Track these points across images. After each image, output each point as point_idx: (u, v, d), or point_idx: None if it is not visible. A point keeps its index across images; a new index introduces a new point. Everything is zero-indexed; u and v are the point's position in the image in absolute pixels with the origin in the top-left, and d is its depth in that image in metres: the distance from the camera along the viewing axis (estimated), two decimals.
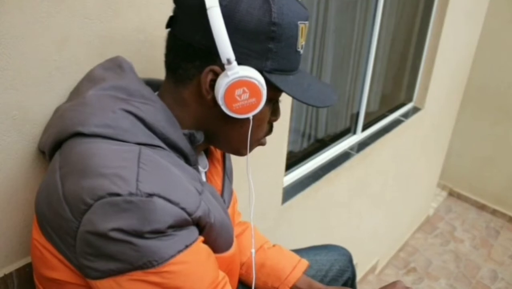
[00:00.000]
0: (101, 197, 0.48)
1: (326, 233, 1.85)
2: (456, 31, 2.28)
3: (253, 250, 0.81)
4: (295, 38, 0.58)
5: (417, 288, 2.56)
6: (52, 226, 0.53)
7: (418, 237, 3.01)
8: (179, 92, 0.61)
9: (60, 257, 0.54)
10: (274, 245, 0.98)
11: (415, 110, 2.31)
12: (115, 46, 0.71)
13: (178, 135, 0.60)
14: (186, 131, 0.62)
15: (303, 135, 1.64)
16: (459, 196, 3.49)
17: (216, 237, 0.62)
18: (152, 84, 0.65)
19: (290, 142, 1.49)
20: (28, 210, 0.69)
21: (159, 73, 0.67)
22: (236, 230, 0.90)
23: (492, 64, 2.96)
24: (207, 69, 0.56)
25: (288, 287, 0.91)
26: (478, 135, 3.22)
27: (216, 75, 0.56)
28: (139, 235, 0.49)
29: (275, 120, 0.69)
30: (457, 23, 2.25)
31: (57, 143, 0.57)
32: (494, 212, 3.30)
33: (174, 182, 0.53)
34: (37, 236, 0.57)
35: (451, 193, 3.53)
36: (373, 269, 2.52)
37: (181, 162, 0.60)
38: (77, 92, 0.63)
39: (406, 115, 2.23)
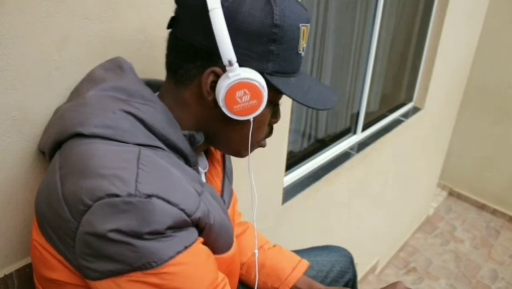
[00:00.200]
0: (100, 198, 0.48)
1: (326, 233, 1.85)
2: (456, 31, 2.28)
3: (256, 251, 0.81)
4: (296, 41, 0.58)
5: (417, 288, 2.56)
6: (52, 227, 0.53)
7: (418, 237, 3.01)
8: (180, 93, 0.61)
9: (60, 257, 0.54)
10: (274, 245, 0.98)
11: (415, 110, 2.31)
12: (115, 46, 0.71)
13: (178, 136, 0.60)
14: (186, 132, 0.62)
15: (303, 135, 1.64)
16: (459, 196, 3.49)
17: (215, 238, 0.62)
18: (153, 85, 0.65)
19: (290, 142, 1.49)
20: (28, 210, 0.69)
21: (159, 73, 0.67)
22: (236, 230, 0.90)
23: (492, 64, 2.96)
24: (208, 70, 0.56)
25: (288, 287, 0.91)
26: (478, 135, 3.22)
27: (217, 76, 0.56)
28: (138, 236, 0.48)
29: (275, 122, 0.69)
30: (457, 23, 2.25)
31: (57, 144, 0.57)
32: (494, 212, 3.31)
33: (173, 183, 0.53)
34: (37, 236, 0.57)
35: (451, 193, 3.53)
36: (373, 269, 2.52)
37: (181, 163, 0.60)
38: (77, 93, 0.63)
39: (406, 115, 2.23)
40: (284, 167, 1.36)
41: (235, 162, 0.87)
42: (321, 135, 1.74)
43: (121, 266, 0.50)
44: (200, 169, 0.70)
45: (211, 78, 0.57)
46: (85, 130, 0.53)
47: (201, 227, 0.58)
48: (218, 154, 0.80)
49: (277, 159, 1.31)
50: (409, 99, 2.34)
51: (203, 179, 0.72)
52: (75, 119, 0.55)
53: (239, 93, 0.55)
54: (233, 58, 0.53)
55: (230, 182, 0.83)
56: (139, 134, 0.55)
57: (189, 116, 0.62)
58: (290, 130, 1.40)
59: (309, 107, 0.61)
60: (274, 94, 0.60)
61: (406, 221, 2.85)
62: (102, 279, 0.51)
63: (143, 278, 0.50)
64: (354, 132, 1.92)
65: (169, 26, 0.60)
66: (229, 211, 0.78)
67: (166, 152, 0.58)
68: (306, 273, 0.94)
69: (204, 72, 0.57)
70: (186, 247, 0.53)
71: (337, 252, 1.06)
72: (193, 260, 0.55)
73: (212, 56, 0.55)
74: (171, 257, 0.51)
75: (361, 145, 1.87)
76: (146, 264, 0.50)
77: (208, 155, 0.76)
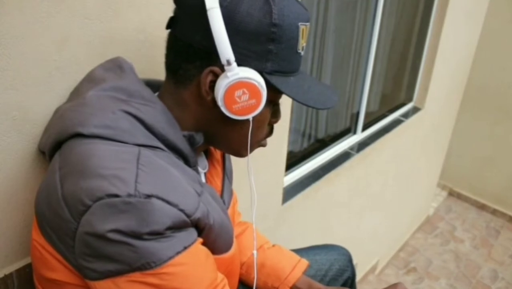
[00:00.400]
0: (99, 198, 0.48)
1: (326, 233, 1.85)
2: (456, 31, 2.28)
3: (254, 252, 0.81)
4: (295, 40, 0.58)
5: (417, 288, 2.56)
6: (52, 227, 0.53)
7: (418, 237, 3.01)
8: (179, 93, 0.61)
9: (59, 257, 0.55)
10: (274, 245, 0.98)
11: (415, 110, 2.31)
12: (115, 46, 0.71)
13: (177, 137, 0.60)
14: (186, 133, 0.62)
15: (303, 135, 1.64)
16: (459, 196, 3.49)
17: (215, 238, 0.62)
18: (152, 85, 0.65)
19: (290, 142, 1.49)
20: (28, 210, 0.69)
21: (159, 73, 0.67)
22: (236, 230, 0.90)
23: (492, 64, 2.96)
24: (207, 70, 0.56)
25: (288, 287, 0.91)
26: (478, 135, 3.22)
27: (216, 76, 0.56)
28: (137, 236, 0.49)
29: (276, 122, 0.69)
30: (457, 23, 2.25)
31: (57, 144, 0.57)
32: (494, 211, 3.31)
33: (173, 183, 0.53)
34: (37, 236, 0.57)
35: (451, 193, 3.53)
36: (373, 269, 2.52)
37: (180, 163, 0.60)
38: (77, 93, 0.63)
39: (406, 115, 2.23)
40: (284, 167, 1.36)
41: (235, 162, 0.87)
42: (321, 135, 1.74)
43: (121, 266, 0.50)
44: (199, 169, 0.70)
45: (210, 77, 0.57)
46: (85, 130, 0.53)
47: (200, 227, 0.58)
48: (218, 154, 0.80)
49: (277, 159, 1.31)
50: (409, 99, 2.34)
51: (203, 180, 0.72)
52: (75, 119, 0.55)
53: (238, 93, 0.55)
54: (232, 58, 0.53)
55: (230, 182, 0.83)
56: (139, 134, 0.55)
57: (188, 116, 0.62)
58: (290, 130, 1.40)
59: (309, 106, 0.61)
60: (274, 94, 0.60)
61: (406, 221, 2.85)
62: (101, 279, 0.51)
63: (142, 278, 0.50)
64: (354, 132, 1.92)
65: (168, 26, 0.60)
66: (229, 211, 0.78)
67: (165, 152, 0.58)
68: (305, 272, 0.94)
69: (203, 72, 0.57)
70: (185, 248, 0.53)
71: (335, 250, 1.06)
72: (192, 260, 0.55)
73: (211, 56, 0.55)
74: (170, 258, 0.51)
75: (361, 145, 1.87)
76: (145, 265, 0.50)
77: (208, 155, 0.76)
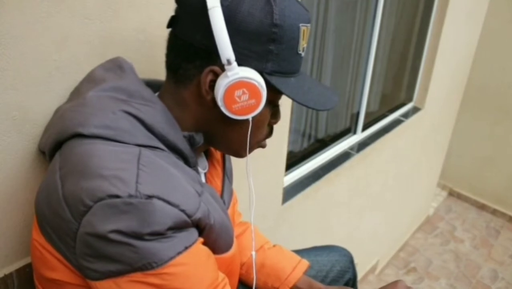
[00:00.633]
0: (100, 199, 0.48)
1: (326, 233, 1.85)
2: (456, 31, 2.28)
3: (253, 252, 0.81)
4: (296, 41, 0.58)
5: (417, 288, 2.56)
6: (52, 227, 0.53)
7: (418, 237, 3.01)
8: (179, 92, 0.61)
9: (60, 257, 0.54)
10: (274, 245, 0.98)
11: (415, 110, 2.31)
12: (115, 46, 0.71)
13: (177, 137, 0.60)
14: (186, 134, 0.61)
15: (303, 135, 1.64)
16: (459, 196, 3.49)
17: (216, 238, 0.62)
18: (153, 85, 0.65)
19: (290, 142, 1.49)
20: (28, 210, 0.69)
21: (160, 73, 0.67)
22: (237, 231, 0.90)
23: (492, 64, 2.96)
24: (207, 69, 0.56)
25: (289, 287, 0.91)
26: (478, 135, 3.22)
27: (216, 75, 0.56)
28: (139, 236, 0.49)
29: (275, 122, 0.68)
30: (457, 23, 2.25)
31: (57, 144, 0.57)
32: (494, 211, 3.31)
33: (173, 184, 0.53)
34: (37, 236, 0.57)
35: (451, 193, 3.53)
36: (373, 269, 2.52)
37: (181, 163, 0.60)
38: (77, 93, 0.63)
39: (406, 115, 2.23)
40: (284, 167, 1.36)
41: (235, 162, 0.87)
42: (321, 135, 1.74)
43: (122, 267, 0.50)
44: (199, 169, 0.70)
45: (210, 77, 0.57)
46: (85, 131, 0.53)
47: (201, 227, 0.58)
48: (218, 154, 0.80)
49: (277, 159, 1.31)
50: (409, 99, 2.34)
51: (203, 180, 0.72)
52: (75, 119, 0.55)
53: (237, 92, 0.55)
54: (232, 57, 0.53)
55: (230, 182, 0.83)
56: (139, 134, 0.55)
57: (188, 116, 0.62)
58: (290, 130, 1.40)
59: (309, 107, 0.60)
60: (274, 94, 0.60)
61: (406, 221, 2.85)
62: (102, 279, 0.51)
63: (144, 278, 0.50)
64: (354, 132, 1.92)
65: (169, 26, 0.60)
66: (229, 211, 0.78)
67: (165, 152, 0.58)
68: (306, 272, 0.94)
69: (203, 71, 0.57)
70: (186, 248, 0.53)
71: (337, 251, 1.06)
72: (194, 260, 0.55)
73: (211, 55, 0.55)
74: (172, 258, 0.51)
75: (361, 145, 1.87)
76: (146, 265, 0.50)
77: (208, 155, 0.76)
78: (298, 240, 1.59)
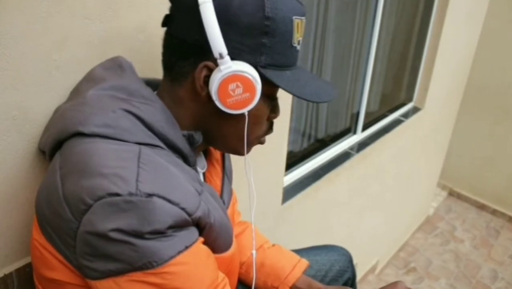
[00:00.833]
0: (100, 197, 0.48)
1: (326, 233, 1.85)
2: (456, 31, 2.28)
3: (254, 251, 0.81)
4: (290, 33, 0.57)
5: (417, 288, 2.56)
6: (52, 226, 0.53)
7: (418, 237, 3.01)
8: (176, 90, 0.61)
9: (60, 257, 0.54)
10: (273, 245, 0.98)
11: (415, 110, 2.31)
12: (115, 46, 0.71)
13: (177, 136, 0.60)
14: (185, 132, 0.62)
15: (303, 135, 1.64)
16: (459, 196, 3.49)
17: (215, 237, 0.62)
18: (152, 84, 0.65)
19: (290, 142, 1.49)
20: (28, 210, 0.69)
21: (160, 73, 0.67)
22: (236, 230, 0.90)
23: (492, 64, 2.96)
24: (201, 65, 0.56)
25: (288, 286, 0.91)
26: (478, 135, 3.22)
27: (210, 71, 0.56)
28: (139, 235, 0.49)
29: (275, 117, 0.68)
30: (457, 23, 2.25)
31: (58, 143, 0.57)
32: (494, 212, 3.30)
33: (174, 182, 0.53)
34: (37, 236, 0.57)
35: (451, 193, 3.53)
36: (373, 269, 2.52)
37: (180, 162, 0.60)
38: (77, 92, 0.63)
39: (406, 115, 2.23)
40: (284, 166, 1.36)
41: (235, 162, 0.87)
42: (321, 135, 1.74)
43: (122, 266, 0.50)
44: (198, 169, 0.70)
45: (204, 72, 0.57)
46: (85, 129, 0.53)
47: (201, 226, 0.58)
48: (217, 154, 0.80)
49: (277, 159, 1.31)
50: (409, 99, 2.34)
51: (201, 179, 0.72)
52: (75, 118, 0.55)
53: (231, 86, 0.55)
54: (224, 51, 0.53)
55: (230, 182, 0.83)
56: (139, 133, 0.56)
57: (185, 114, 0.62)
58: (290, 129, 1.40)
59: (304, 99, 0.60)
60: (269, 88, 0.60)
61: (406, 221, 2.85)
62: (102, 278, 0.51)
63: (144, 277, 0.50)
64: (354, 132, 1.92)
65: (163, 24, 0.61)
66: (229, 210, 0.78)
67: (165, 150, 0.58)
68: (305, 272, 0.94)
69: (197, 67, 0.57)
70: (186, 247, 0.53)
71: (336, 251, 1.06)
72: (194, 260, 0.55)
73: (204, 51, 0.55)
74: (172, 257, 0.51)
75: (361, 145, 1.87)
76: (146, 264, 0.50)
77: (207, 155, 0.76)
78: (298, 240, 1.59)
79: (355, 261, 1.08)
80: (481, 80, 3.02)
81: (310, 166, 1.62)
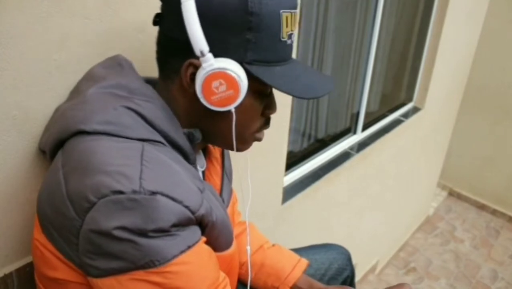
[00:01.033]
0: (104, 195, 0.48)
1: (326, 233, 1.86)
2: (456, 31, 2.28)
3: (248, 247, 0.79)
4: (277, 28, 0.56)
5: (417, 288, 2.56)
6: (55, 225, 0.53)
7: (418, 237, 3.01)
8: (169, 88, 0.61)
9: (61, 256, 0.54)
10: (273, 245, 0.98)
11: (415, 110, 2.31)
12: (115, 46, 0.72)
13: (178, 133, 0.60)
14: (186, 130, 0.62)
15: (303, 135, 1.64)
16: (459, 196, 3.49)
17: (217, 235, 0.62)
18: (151, 83, 0.65)
19: (290, 142, 1.49)
20: (29, 209, 0.69)
21: None
22: (236, 230, 0.90)
23: (492, 64, 2.96)
24: (187, 62, 0.56)
25: (288, 286, 0.91)
26: (478, 135, 3.22)
27: (196, 68, 0.56)
28: (143, 233, 0.49)
29: (271, 113, 0.67)
30: (457, 23, 2.25)
31: (59, 142, 0.57)
32: (494, 212, 3.30)
33: (176, 180, 0.53)
34: (38, 235, 0.57)
35: (451, 193, 3.53)
36: (373, 269, 2.52)
37: (181, 159, 0.60)
38: (77, 91, 0.63)
39: (406, 115, 2.23)
40: (284, 166, 1.36)
41: (234, 161, 0.87)
42: (321, 135, 1.74)
43: (124, 264, 0.50)
44: (198, 167, 0.70)
45: (190, 70, 0.57)
46: (87, 127, 0.53)
47: (204, 224, 0.58)
48: (217, 153, 0.80)
49: (277, 159, 1.31)
50: (409, 99, 2.34)
51: (201, 177, 0.72)
52: (77, 117, 0.55)
53: (214, 84, 0.55)
54: (205, 48, 0.53)
55: (230, 181, 0.83)
56: (141, 129, 0.56)
57: (180, 111, 0.62)
58: (290, 129, 1.40)
59: (293, 96, 0.59)
60: (258, 84, 0.58)
61: (406, 221, 2.85)
62: (104, 276, 0.51)
63: (146, 276, 0.50)
64: (354, 132, 1.92)
65: (154, 23, 0.60)
66: (229, 210, 0.78)
67: (167, 147, 0.58)
68: (305, 271, 0.94)
69: (183, 65, 0.57)
70: (189, 247, 0.53)
71: (335, 250, 1.06)
72: (196, 259, 0.55)
73: (190, 48, 0.54)
74: (175, 256, 0.51)
75: (361, 145, 1.87)
76: (149, 263, 0.50)
77: (206, 153, 0.76)
78: (298, 240, 1.59)
79: (355, 261, 1.08)
80: (481, 80, 3.02)
81: (310, 166, 1.62)
